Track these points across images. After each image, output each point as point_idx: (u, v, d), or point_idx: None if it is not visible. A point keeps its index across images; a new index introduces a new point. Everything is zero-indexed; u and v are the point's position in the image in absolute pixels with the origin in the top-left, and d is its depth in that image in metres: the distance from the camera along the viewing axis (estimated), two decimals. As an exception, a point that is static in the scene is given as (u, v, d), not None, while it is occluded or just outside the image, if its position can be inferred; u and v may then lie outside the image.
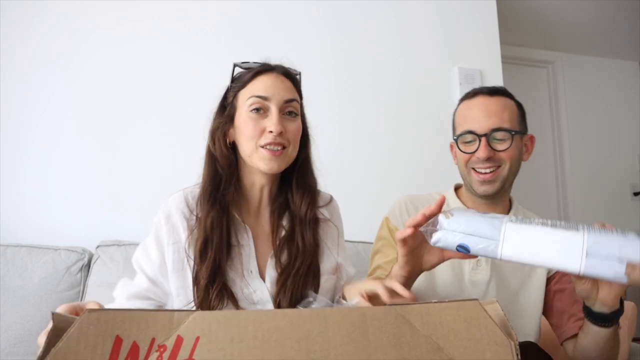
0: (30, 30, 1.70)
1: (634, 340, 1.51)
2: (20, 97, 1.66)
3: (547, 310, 1.11)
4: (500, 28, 2.26)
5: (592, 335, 0.90)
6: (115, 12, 1.77)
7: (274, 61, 0.97)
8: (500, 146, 1.04)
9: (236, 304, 0.88)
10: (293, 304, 0.88)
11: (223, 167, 0.93)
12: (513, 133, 1.04)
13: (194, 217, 0.92)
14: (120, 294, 0.93)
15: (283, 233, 0.96)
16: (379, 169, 1.97)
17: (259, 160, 0.90)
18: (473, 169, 1.06)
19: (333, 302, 0.94)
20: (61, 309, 0.69)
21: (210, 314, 0.51)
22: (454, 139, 1.11)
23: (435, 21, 2.16)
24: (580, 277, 0.77)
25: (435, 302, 0.55)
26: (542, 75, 3.26)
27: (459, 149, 1.08)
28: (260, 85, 0.91)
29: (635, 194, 3.23)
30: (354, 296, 0.77)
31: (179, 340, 0.48)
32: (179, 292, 0.90)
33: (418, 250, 0.82)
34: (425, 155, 2.03)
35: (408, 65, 2.09)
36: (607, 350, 0.91)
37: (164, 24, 1.82)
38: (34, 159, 1.64)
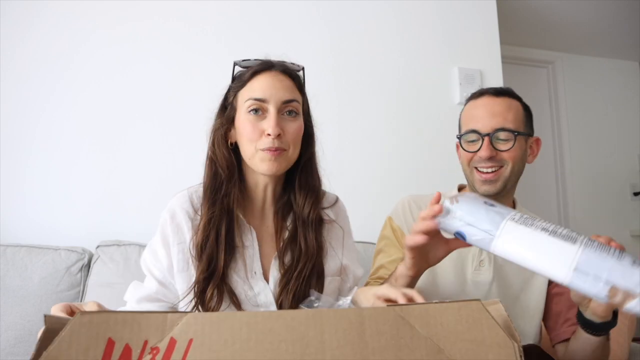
0: (30, 30, 1.70)
1: (634, 340, 1.51)
2: (20, 97, 1.66)
3: (544, 312, 1.11)
4: (500, 28, 2.26)
5: (582, 341, 0.91)
6: (115, 12, 1.77)
7: (274, 58, 0.95)
8: (503, 146, 1.04)
9: (239, 307, 0.87)
10: (295, 306, 0.87)
11: (223, 169, 0.92)
12: (516, 134, 1.03)
13: (199, 217, 0.91)
14: (131, 297, 0.93)
15: (287, 234, 0.95)
16: (379, 169, 1.97)
17: (258, 164, 0.89)
18: (475, 168, 1.06)
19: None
20: (56, 308, 0.69)
21: (204, 315, 0.51)
22: (458, 138, 1.11)
23: (435, 21, 2.16)
24: None
25: (436, 303, 0.54)
26: (542, 75, 3.26)
27: (463, 148, 1.09)
28: (258, 86, 0.90)
29: (635, 194, 3.23)
30: (370, 298, 0.76)
31: (172, 343, 0.48)
32: (183, 292, 0.89)
33: (424, 248, 0.83)
34: (425, 155, 2.03)
35: (408, 65, 2.09)
36: (594, 359, 0.92)
37: (164, 24, 1.82)
38: (34, 159, 1.64)
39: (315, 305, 0.71)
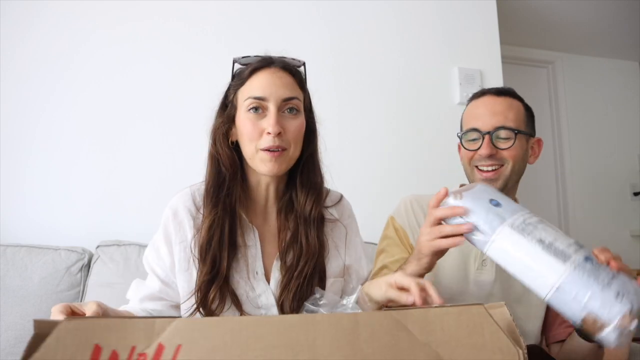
0: (30, 30, 1.69)
1: (634, 340, 1.50)
2: (20, 97, 1.66)
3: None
4: (500, 28, 2.26)
5: (576, 344, 0.94)
6: (115, 12, 1.77)
7: (274, 54, 0.93)
8: (503, 145, 1.04)
9: (240, 308, 0.86)
10: (295, 306, 0.86)
11: (226, 167, 0.90)
12: (517, 132, 1.04)
13: (201, 216, 0.90)
14: (133, 296, 0.92)
15: (289, 234, 0.93)
16: (379, 169, 1.97)
17: (259, 163, 0.88)
18: (476, 167, 1.07)
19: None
20: (56, 309, 0.69)
21: (193, 321, 0.49)
22: (459, 137, 1.12)
23: (435, 21, 2.16)
24: None
25: (436, 307, 0.53)
26: (542, 75, 3.26)
27: (463, 146, 1.09)
28: (258, 84, 0.88)
29: (635, 194, 3.22)
30: (382, 286, 0.75)
31: (160, 349, 0.47)
32: (185, 292, 0.89)
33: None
34: (425, 155, 2.03)
35: (408, 65, 2.09)
36: None
37: (164, 24, 1.82)
38: (34, 159, 1.64)
39: (321, 303, 0.70)
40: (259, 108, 0.87)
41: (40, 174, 1.64)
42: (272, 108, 0.87)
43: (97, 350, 0.46)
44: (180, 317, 0.53)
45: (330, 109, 1.95)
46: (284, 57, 0.93)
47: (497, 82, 2.16)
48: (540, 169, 3.07)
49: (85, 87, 1.71)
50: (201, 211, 0.91)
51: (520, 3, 2.59)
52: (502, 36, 2.25)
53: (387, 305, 0.76)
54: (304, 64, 0.96)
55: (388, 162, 1.99)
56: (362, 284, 0.84)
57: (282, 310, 0.88)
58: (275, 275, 0.91)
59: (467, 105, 1.15)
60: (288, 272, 0.89)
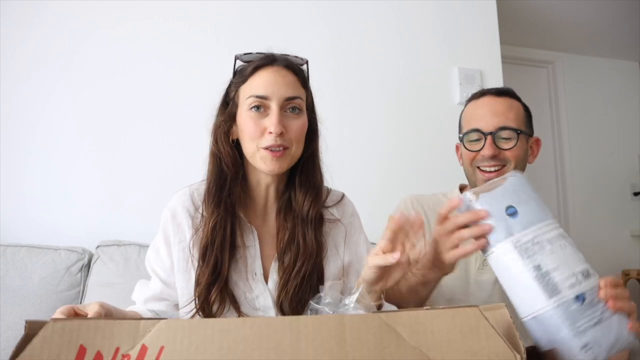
0: (30, 30, 1.69)
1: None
2: (20, 97, 1.66)
3: None
4: (500, 28, 2.26)
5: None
6: (115, 12, 1.77)
7: (276, 51, 0.92)
8: (505, 145, 1.04)
9: (238, 309, 0.85)
10: (295, 307, 0.85)
11: (228, 165, 0.89)
12: (519, 132, 1.04)
13: (199, 215, 0.89)
14: (138, 297, 0.92)
15: (287, 235, 0.91)
16: (379, 169, 1.97)
17: (260, 162, 0.86)
18: (478, 167, 1.06)
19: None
20: (59, 312, 0.68)
21: (177, 322, 0.50)
22: (460, 138, 1.11)
23: (435, 21, 2.16)
24: None
25: (427, 309, 0.50)
26: (542, 75, 3.26)
27: (465, 147, 1.08)
28: (260, 82, 0.87)
29: (635, 194, 3.22)
30: (368, 262, 0.76)
31: (144, 350, 0.47)
32: (183, 292, 0.88)
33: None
34: (425, 155, 2.03)
35: (408, 65, 2.09)
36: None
37: (164, 24, 1.82)
38: (34, 159, 1.64)
39: (325, 302, 0.70)
40: (261, 107, 0.86)
41: (40, 174, 1.64)
42: (274, 107, 0.85)
43: (82, 350, 0.47)
44: (166, 318, 0.54)
45: (330, 109, 1.94)
46: (287, 55, 0.92)
47: (497, 82, 2.16)
48: (540, 169, 3.07)
49: (85, 87, 1.71)
50: (200, 211, 0.90)
51: (520, 3, 2.59)
52: (502, 36, 2.25)
53: (378, 280, 0.77)
54: (306, 62, 0.95)
55: (388, 162, 1.99)
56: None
57: (282, 311, 0.87)
58: (274, 276, 0.90)
59: (465, 105, 1.15)
60: (285, 273, 0.88)
